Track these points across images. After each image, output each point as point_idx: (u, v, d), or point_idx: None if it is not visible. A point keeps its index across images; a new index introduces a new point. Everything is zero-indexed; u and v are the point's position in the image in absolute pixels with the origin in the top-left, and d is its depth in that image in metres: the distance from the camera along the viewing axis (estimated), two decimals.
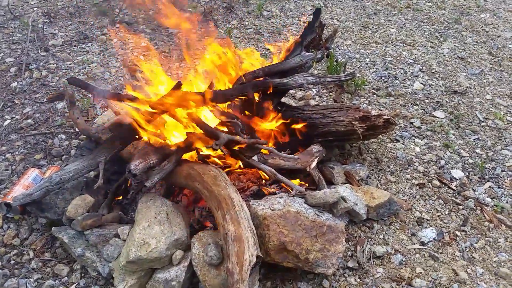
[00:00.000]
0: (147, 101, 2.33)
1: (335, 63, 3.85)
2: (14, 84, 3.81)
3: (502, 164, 3.18)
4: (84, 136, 3.12)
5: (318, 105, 3.61)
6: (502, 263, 2.46)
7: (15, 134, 3.26)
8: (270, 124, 2.71)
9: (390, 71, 4.23)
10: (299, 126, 2.76)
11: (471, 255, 2.51)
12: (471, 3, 5.91)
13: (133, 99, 2.32)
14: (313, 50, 3.04)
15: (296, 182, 2.56)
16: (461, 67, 4.39)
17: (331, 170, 2.84)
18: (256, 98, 2.64)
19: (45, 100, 3.60)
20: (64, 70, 4.01)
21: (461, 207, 2.82)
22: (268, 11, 5.43)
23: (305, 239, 2.17)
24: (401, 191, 2.92)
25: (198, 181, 2.29)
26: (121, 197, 2.63)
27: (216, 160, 2.58)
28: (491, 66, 4.43)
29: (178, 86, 2.22)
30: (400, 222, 2.68)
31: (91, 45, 4.46)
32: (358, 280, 2.34)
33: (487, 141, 3.40)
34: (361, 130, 2.71)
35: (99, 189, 2.46)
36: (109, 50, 4.39)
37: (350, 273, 2.38)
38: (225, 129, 2.48)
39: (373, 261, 2.44)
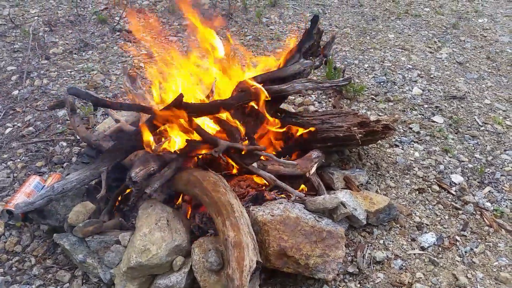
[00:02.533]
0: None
1: (333, 69, 3.87)
2: (16, 92, 3.84)
3: (501, 168, 3.19)
4: (85, 144, 3.14)
5: (317, 111, 3.63)
6: (502, 268, 2.47)
7: (16, 141, 3.28)
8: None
9: (389, 77, 4.26)
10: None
11: (471, 260, 2.52)
12: (469, 8, 5.95)
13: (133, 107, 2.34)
14: (311, 57, 3.06)
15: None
16: (459, 72, 4.41)
17: (330, 175, 2.85)
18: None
19: (46, 108, 3.62)
20: (65, 78, 4.04)
21: (460, 212, 2.83)
22: (267, 18, 5.47)
23: (305, 244, 2.18)
24: (401, 196, 2.93)
25: (198, 187, 2.31)
26: (122, 204, 2.64)
27: None
28: (489, 70, 4.46)
29: (180, 98, 2.23)
30: (400, 227, 2.69)
31: (92, 53, 4.50)
32: (358, 285, 2.34)
33: (486, 145, 3.41)
34: (360, 135, 2.73)
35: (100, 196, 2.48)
36: (110, 58, 4.42)
37: (350, 278, 2.38)
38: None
39: (373, 266, 2.45)
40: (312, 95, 3.95)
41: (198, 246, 2.24)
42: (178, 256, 2.24)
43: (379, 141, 3.28)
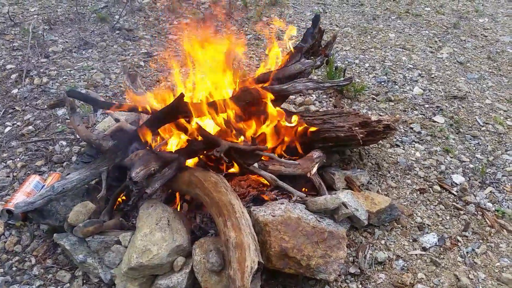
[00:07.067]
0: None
1: (334, 69, 3.86)
2: (15, 90, 3.82)
3: (502, 169, 3.18)
4: (85, 143, 3.12)
5: (318, 110, 3.62)
6: (504, 269, 2.46)
7: (16, 140, 3.27)
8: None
9: (390, 76, 4.25)
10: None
11: (472, 260, 2.51)
12: (470, 8, 5.94)
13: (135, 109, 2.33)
14: (312, 56, 3.05)
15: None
16: (460, 71, 4.40)
17: (331, 175, 2.84)
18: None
19: (45, 106, 3.61)
20: (64, 77, 4.02)
21: (462, 212, 2.82)
22: (267, 17, 5.45)
23: (306, 245, 2.17)
24: (402, 197, 2.92)
25: (199, 188, 2.29)
26: (122, 204, 2.63)
27: None
28: (490, 70, 4.45)
29: (180, 97, 2.21)
30: (401, 228, 2.68)
31: (91, 51, 4.48)
32: (360, 286, 2.34)
33: (487, 145, 3.40)
34: (361, 135, 2.71)
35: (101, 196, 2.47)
36: (109, 56, 4.40)
37: (352, 279, 2.37)
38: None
39: (375, 267, 2.44)
40: (313, 95, 3.94)
41: (199, 246, 2.23)
42: (179, 256, 2.23)
43: (380, 141, 3.27)
